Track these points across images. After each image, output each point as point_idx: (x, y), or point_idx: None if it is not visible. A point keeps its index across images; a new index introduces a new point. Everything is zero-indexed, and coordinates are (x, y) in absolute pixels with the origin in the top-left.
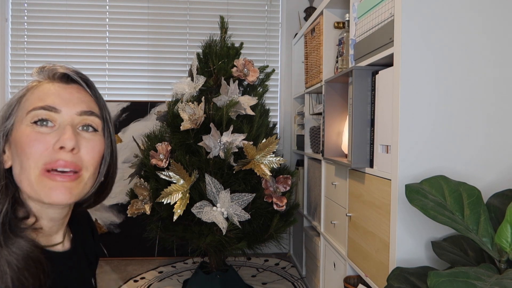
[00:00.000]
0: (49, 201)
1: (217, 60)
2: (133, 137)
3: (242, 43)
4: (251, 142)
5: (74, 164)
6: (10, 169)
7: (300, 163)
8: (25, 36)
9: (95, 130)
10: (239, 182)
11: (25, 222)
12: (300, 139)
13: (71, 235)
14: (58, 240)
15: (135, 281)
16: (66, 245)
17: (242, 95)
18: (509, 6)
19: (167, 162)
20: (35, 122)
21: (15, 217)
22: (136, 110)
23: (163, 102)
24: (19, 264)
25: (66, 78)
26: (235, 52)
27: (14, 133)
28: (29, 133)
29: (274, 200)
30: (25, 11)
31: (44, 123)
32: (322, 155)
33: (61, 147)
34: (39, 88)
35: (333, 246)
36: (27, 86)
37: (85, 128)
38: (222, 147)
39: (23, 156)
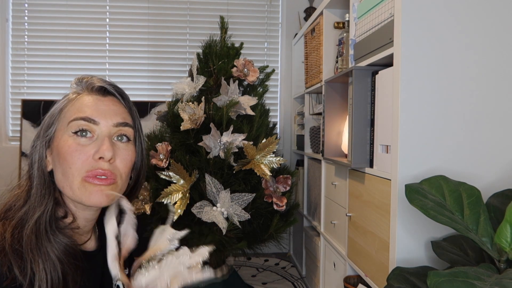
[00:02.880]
0: (89, 204)
1: (217, 60)
2: None
3: (242, 43)
4: (251, 142)
5: (111, 172)
6: (51, 171)
7: (300, 163)
8: (26, 36)
9: (128, 139)
10: (239, 182)
11: (63, 221)
12: (300, 139)
13: (97, 233)
14: (86, 239)
15: None
16: (93, 244)
17: (242, 95)
18: (509, 6)
19: (167, 162)
20: (76, 133)
21: (55, 216)
22: (136, 110)
23: (163, 102)
24: (62, 258)
25: (103, 90)
26: (235, 52)
27: (56, 142)
28: (70, 144)
29: (274, 200)
30: (26, 11)
31: (84, 133)
32: (322, 155)
33: (100, 157)
34: (79, 100)
35: (333, 246)
36: (68, 97)
37: (119, 138)
38: (222, 147)
39: (65, 165)
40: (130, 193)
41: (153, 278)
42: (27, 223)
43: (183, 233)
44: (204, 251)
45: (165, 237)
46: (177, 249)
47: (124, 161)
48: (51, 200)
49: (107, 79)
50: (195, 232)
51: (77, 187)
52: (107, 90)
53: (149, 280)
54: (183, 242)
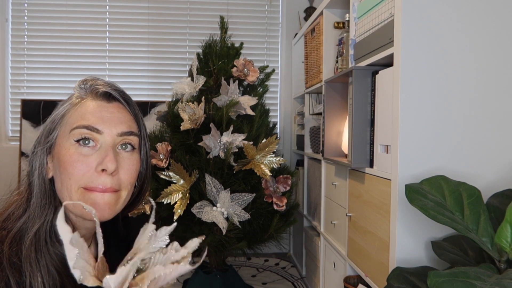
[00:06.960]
0: (90, 218)
1: (217, 60)
2: None
3: (242, 43)
4: (251, 142)
5: (113, 188)
6: (52, 178)
7: (300, 163)
8: (25, 36)
9: (133, 148)
10: (239, 182)
11: None
12: (300, 139)
13: (97, 241)
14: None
15: None
16: (92, 252)
17: (242, 95)
18: (509, 6)
19: (167, 162)
20: (78, 141)
21: (55, 227)
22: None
23: (163, 102)
24: (61, 271)
25: (108, 96)
26: (235, 52)
27: (58, 149)
28: (72, 153)
29: (274, 200)
30: (26, 11)
31: (86, 142)
32: (322, 155)
33: (103, 170)
34: (82, 106)
35: (333, 246)
36: (71, 102)
37: (123, 146)
38: (222, 147)
39: (65, 175)
40: (134, 201)
41: (119, 277)
42: (26, 234)
43: (168, 228)
44: (192, 244)
45: (146, 235)
46: (167, 245)
47: (128, 172)
48: (52, 210)
49: (106, 79)
50: (195, 232)
51: (76, 200)
52: (112, 96)
53: (116, 279)
54: (183, 240)
